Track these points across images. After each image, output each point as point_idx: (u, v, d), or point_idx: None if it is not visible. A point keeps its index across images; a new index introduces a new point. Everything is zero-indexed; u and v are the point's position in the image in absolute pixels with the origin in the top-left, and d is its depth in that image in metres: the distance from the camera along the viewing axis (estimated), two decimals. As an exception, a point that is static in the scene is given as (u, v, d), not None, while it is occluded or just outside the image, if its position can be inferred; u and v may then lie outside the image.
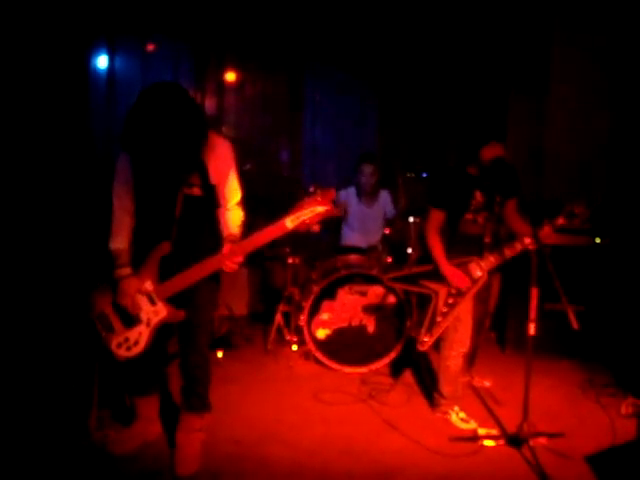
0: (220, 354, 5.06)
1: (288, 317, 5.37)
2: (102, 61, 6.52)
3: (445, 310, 3.81)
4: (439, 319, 3.80)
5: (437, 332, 3.80)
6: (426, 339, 3.79)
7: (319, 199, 2.89)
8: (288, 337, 5.29)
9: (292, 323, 5.29)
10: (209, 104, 7.29)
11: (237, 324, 5.96)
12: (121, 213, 3.20)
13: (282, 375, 4.82)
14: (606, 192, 5.94)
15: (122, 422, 3.64)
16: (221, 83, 7.33)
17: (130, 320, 3.16)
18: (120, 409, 3.78)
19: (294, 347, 5.20)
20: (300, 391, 4.48)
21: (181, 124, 2.89)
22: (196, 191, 3.11)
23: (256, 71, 7.45)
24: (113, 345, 3.16)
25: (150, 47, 6.89)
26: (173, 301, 3.14)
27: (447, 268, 3.83)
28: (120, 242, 3.18)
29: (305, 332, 4.93)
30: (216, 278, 3.27)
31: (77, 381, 3.91)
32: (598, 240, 5.19)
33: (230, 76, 7.37)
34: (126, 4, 6.29)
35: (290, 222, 2.90)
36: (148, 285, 3.12)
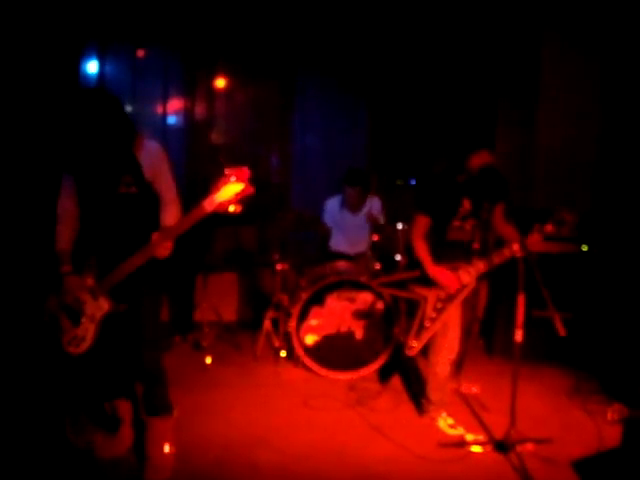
0: (209, 360, 5.06)
1: (277, 323, 5.38)
2: (93, 67, 6.52)
3: (434, 315, 3.82)
4: (427, 324, 3.81)
5: (425, 337, 3.81)
6: (414, 344, 3.80)
7: (234, 179, 2.94)
8: (276, 343, 5.29)
9: (281, 329, 5.30)
10: (199, 110, 7.29)
11: (226, 330, 5.96)
12: (64, 217, 3.34)
13: (270, 381, 4.82)
14: (594, 200, 5.99)
15: (107, 429, 3.60)
16: (211, 89, 7.33)
17: (77, 318, 3.29)
18: (102, 416, 3.74)
19: (282, 353, 5.20)
20: (288, 397, 4.48)
21: (105, 128, 3.08)
22: (132, 189, 3.22)
23: (246, 78, 7.45)
24: (64, 343, 3.31)
25: (140, 53, 6.89)
26: (116, 299, 3.25)
27: (433, 269, 3.85)
28: (63, 243, 3.33)
29: (294, 338, 4.93)
30: (155, 275, 3.33)
31: (53, 387, 3.91)
32: (585, 248, 5.23)
33: (220, 82, 7.38)
34: (117, 11, 6.29)
35: (208, 205, 2.97)
36: (89, 281, 3.26)
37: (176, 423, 3.50)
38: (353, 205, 5.70)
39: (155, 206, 3.30)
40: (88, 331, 3.26)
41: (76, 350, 3.28)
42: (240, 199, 2.98)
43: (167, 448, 3.40)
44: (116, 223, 3.26)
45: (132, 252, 3.14)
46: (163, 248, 3.13)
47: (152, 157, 3.26)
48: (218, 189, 2.96)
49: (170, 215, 3.27)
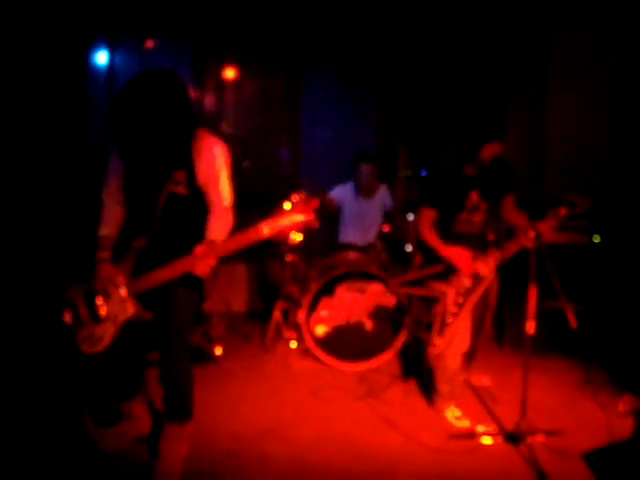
0: (219, 351, 5.07)
1: (287, 314, 5.38)
2: (102, 57, 6.53)
3: (455, 310, 3.77)
4: (450, 320, 3.76)
5: (449, 333, 3.75)
6: (438, 342, 3.75)
7: (301, 207, 2.65)
8: (286, 334, 5.29)
9: (290, 320, 5.30)
10: (208, 101, 7.29)
11: (235, 321, 5.97)
12: (110, 203, 3.16)
13: (280, 372, 4.83)
14: (606, 189, 5.94)
15: (109, 424, 3.54)
16: (220, 80, 7.33)
17: (98, 315, 3.08)
18: (106, 412, 3.65)
19: (292, 344, 5.20)
20: (298, 388, 4.48)
21: (166, 114, 2.82)
22: (181, 189, 2.99)
23: (255, 69, 7.45)
24: (79, 339, 3.10)
25: (150, 44, 6.89)
26: (146, 303, 3.05)
27: (446, 250, 3.82)
28: (107, 229, 3.15)
29: (303, 329, 4.93)
30: (193, 282, 3.05)
31: (68, 380, 3.89)
32: (597, 239, 5.20)
33: (229, 73, 7.37)
34: (126, 1, 6.29)
35: (267, 229, 2.69)
36: (121, 279, 3.02)
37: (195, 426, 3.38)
38: (368, 185, 5.62)
39: (205, 215, 3.04)
40: (107, 332, 3.03)
41: (90, 349, 3.06)
42: (300, 229, 2.73)
43: (181, 454, 3.23)
44: (158, 222, 3.02)
45: (169, 259, 2.88)
46: (205, 265, 2.83)
47: (211, 157, 2.99)
48: (281, 215, 2.67)
49: (219, 227, 2.99)
